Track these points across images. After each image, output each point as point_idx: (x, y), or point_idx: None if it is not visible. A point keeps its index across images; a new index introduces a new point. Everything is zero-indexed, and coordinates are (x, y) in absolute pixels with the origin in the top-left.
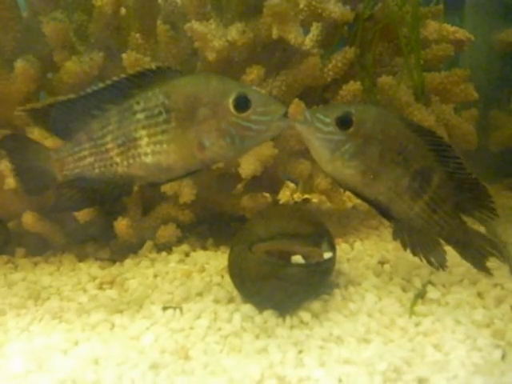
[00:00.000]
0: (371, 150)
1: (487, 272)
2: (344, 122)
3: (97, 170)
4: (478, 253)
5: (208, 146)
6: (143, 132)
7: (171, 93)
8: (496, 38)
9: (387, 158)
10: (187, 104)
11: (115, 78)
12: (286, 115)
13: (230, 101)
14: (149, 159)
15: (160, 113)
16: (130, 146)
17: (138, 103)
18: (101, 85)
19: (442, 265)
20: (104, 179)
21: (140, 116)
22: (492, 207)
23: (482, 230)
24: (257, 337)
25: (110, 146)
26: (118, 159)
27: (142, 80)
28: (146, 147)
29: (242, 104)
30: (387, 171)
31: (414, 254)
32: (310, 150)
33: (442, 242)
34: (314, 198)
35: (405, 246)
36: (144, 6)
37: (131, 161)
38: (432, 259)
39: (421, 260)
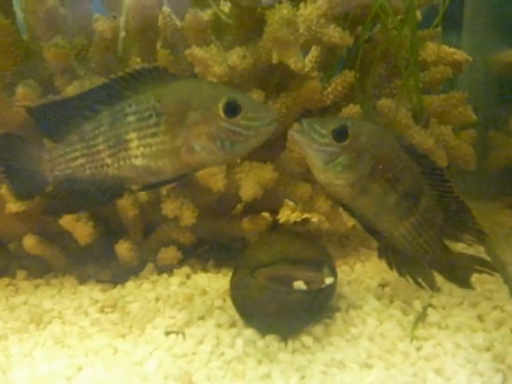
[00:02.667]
0: (363, 164)
1: (471, 287)
2: (340, 135)
3: (88, 172)
4: (463, 273)
5: (197, 150)
6: (134, 134)
7: (162, 96)
8: (494, 59)
9: (378, 173)
10: (178, 108)
11: (110, 78)
12: (275, 120)
13: (220, 105)
14: (139, 161)
15: (151, 116)
16: (120, 147)
17: (129, 106)
18: (94, 85)
19: (431, 286)
20: (95, 181)
21: (131, 118)
22: (478, 229)
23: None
24: (259, 362)
25: (101, 147)
26: (108, 161)
27: (136, 81)
28: (136, 149)
29: (232, 109)
30: (376, 187)
31: (401, 274)
32: (305, 157)
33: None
34: (314, 218)
35: (390, 266)
36: (144, 30)
37: (121, 163)
38: (420, 280)
39: (407, 281)
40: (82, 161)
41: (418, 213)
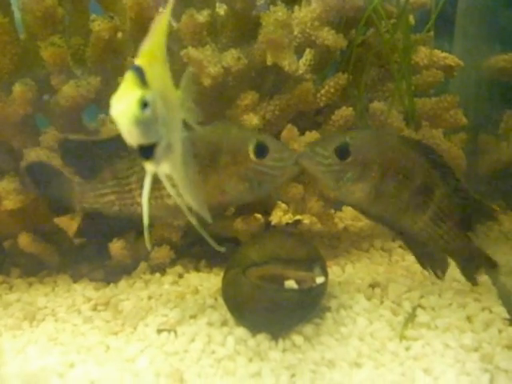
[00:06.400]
0: (371, 173)
1: (475, 283)
2: (342, 153)
3: (116, 208)
4: (475, 267)
5: (228, 191)
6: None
7: (195, 140)
8: (485, 64)
9: (388, 178)
10: (210, 150)
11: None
12: (297, 161)
13: (251, 148)
14: (171, 201)
15: None
16: (154, 187)
17: None
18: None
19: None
20: (121, 216)
21: None
22: (495, 217)
23: None
24: (250, 360)
25: (133, 186)
26: (139, 199)
27: None
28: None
29: (261, 151)
30: (389, 190)
31: (423, 266)
32: (316, 180)
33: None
34: (306, 219)
35: (418, 259)
36: (140, 31)
37: (153, 201)
38: (438, 271)
39: (428, 272)
40: (112, 197)
41: (434, 205)
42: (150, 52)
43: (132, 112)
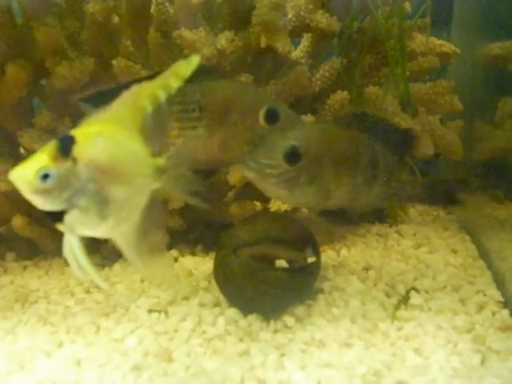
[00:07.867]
0: (324, 170)
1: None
2: (293, 157)
3: None
4: (448, 193)
5: (229, 150)
6: (175, 124)
7: (208, 93)
8: (480, 51)
9: (340, 168)
10: (221, 107)
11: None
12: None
13: (262, 113)
14: None
15: (194, 109)
16: None
17: (175, 96)
18: (145, 74)
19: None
20: None
21: (175, 108)
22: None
23: None
24: (240, 340)
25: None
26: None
27: None
28: (174, 139)
29: (272, 117)
30: (344, 179)
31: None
32: (266, 192)
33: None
34: None
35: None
36: (136, 15)
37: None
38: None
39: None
40: None
41: (381, 172)
42: (109, 120)
43: (27, 181)
